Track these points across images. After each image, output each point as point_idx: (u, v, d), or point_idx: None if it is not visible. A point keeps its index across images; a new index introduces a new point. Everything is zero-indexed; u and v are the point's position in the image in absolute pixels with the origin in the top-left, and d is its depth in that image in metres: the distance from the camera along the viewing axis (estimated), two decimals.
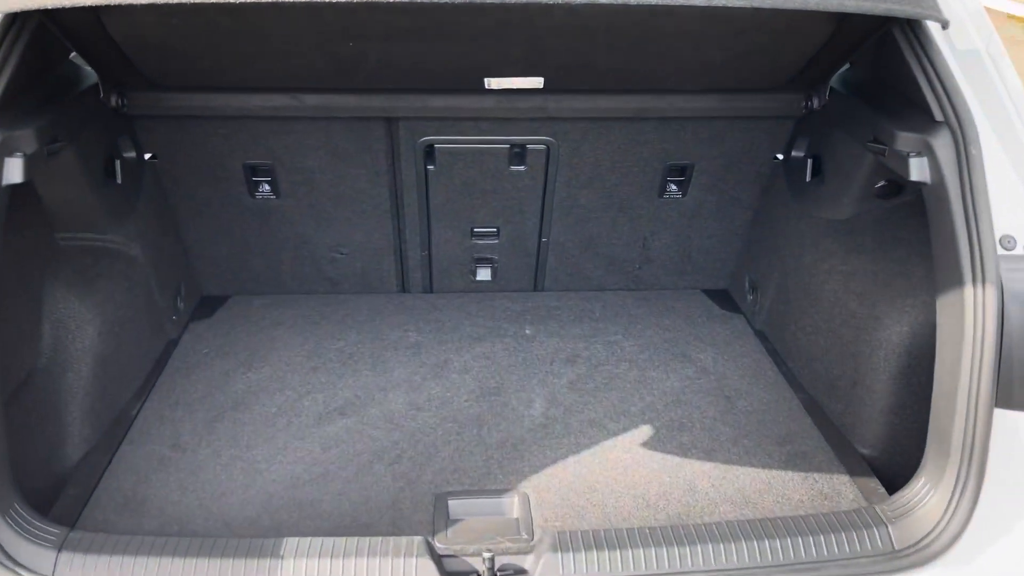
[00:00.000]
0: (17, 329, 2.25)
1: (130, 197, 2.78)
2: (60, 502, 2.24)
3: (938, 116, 2.05)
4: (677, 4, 1.76)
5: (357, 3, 1.79)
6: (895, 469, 2.46)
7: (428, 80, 2.51)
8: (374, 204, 3.09)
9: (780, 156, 3.04)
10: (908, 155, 2.10)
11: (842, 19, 2.19)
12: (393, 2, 1.74)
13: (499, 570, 1.93)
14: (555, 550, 1.92)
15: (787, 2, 1.76)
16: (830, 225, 2.75)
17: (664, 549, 1.93)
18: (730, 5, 1.73)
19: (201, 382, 2.80)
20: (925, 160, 2.07)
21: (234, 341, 3.04)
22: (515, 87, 2.54)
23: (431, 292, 3.44)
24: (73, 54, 2.46)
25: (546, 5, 1.83)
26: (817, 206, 2.81)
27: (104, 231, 2.64)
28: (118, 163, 2.67)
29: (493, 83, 2.50)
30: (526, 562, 1.97)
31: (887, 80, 2.33)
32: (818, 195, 2.82)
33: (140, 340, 2.76)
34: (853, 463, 2.46)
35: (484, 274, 3.40)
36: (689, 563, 1.92)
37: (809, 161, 2.86)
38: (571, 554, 1.92)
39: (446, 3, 1.74)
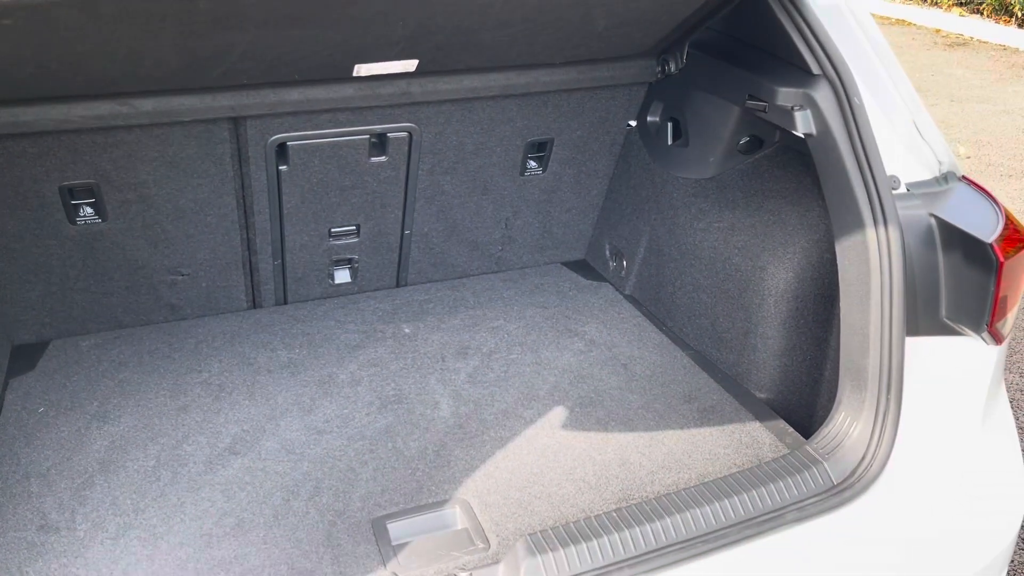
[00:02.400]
0: None
1: None
2: None
3: (815, 70, 2.16)
4: None
5: None
6: (792, 408, 2.60)
7: (291, 71, 2.26)
8: (219, 215, 2.77)
9: (634, 123, 3.09)
10: (793, 109, 2.19)
11: None
12: None
13: None
14: (531, 553, 1.83)
15: None
16: (699, 184, 2.84)
17: (636, 529, 1.91)
18: None
19: (49, 447, 2.38)
20: (808, 112, 2.17)
21: (75, 392, 2.61)
22: (387, 72, 2.36)
23: (286, 303, 3.16)
24: None
25: None
26: (683, 167, 2.89)
27: None
28: None
29: (363, 69, 2.30)
30: (498, 572, 1.87)
31: (754, 39, 2.42)
32: (682, 157, 2.90)
33: None
34: (757, 408, 2.57)
35: (343, 276, 3.17)
36: (664, 538, 1.92)
37: (668, 124, 2.93)
38: (548, 555, 1.84)
39: None
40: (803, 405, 2.61)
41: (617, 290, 3.30)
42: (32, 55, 1.85)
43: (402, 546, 2.05)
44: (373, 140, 2.74)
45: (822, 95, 2.14)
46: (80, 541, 2.05)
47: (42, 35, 1.77)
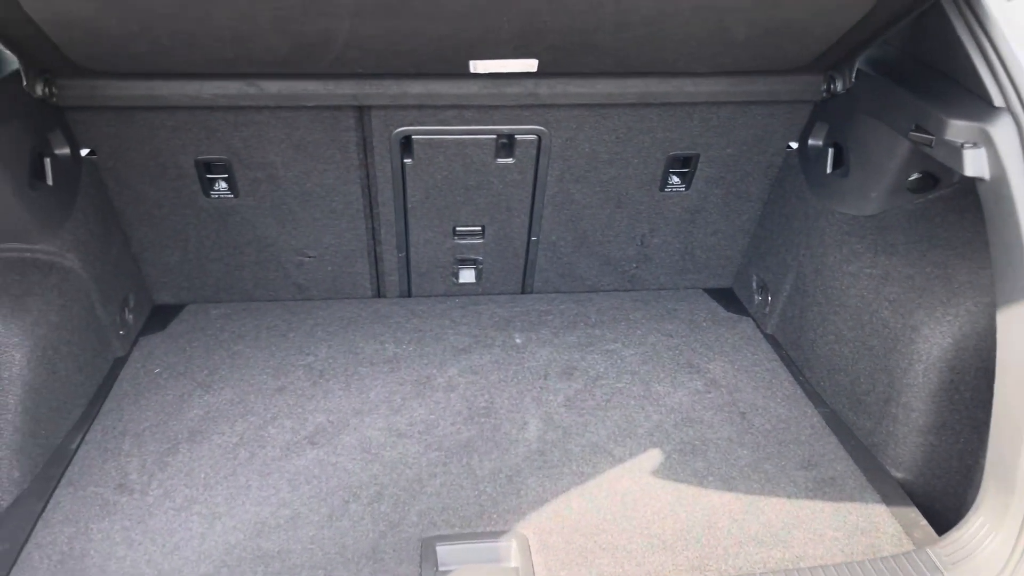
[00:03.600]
0: None
1: (64, 200, 2.43)
2: None
3: (997, 101, 1.78)
4: None
5: None
6: (935, 495, 2.21)
7: (404, 64, 2.19)
8: (345, 202, 2.77)
9: (795, 145, 2.76)
10: (962, 146, 1.83)
11: None
12: None
13: None
14: None
15: None
16: (855, 222, 2.48)
17: None
18: None
19: (152, 408, 2.47)
20: (983, 152, 1.80)
21: (190, 358, 2.72)
22: (504, 71, 2.22)
23: (409, 297, 3.13)
24: None
25: None
26: (840, 200, 2.54)
27: (34, 241, 2.30)
28: (48, 161, 2.33)
29: (479, 66, 2.18)
30: None
31: (931, 60, 2.05)
32: (841, 188, 2.54)
33: (80, 363, 2.42)
34: (888, 489, 2.20)
35: (467, 276, 3.09)
36: None
37: (830, 150, 2.58)
38: None
39: None
40: (947, 496, 2.21)
41: (758, 327, 2.97)
42: (140, 31, 1.89)
43: (444, 574, 1.93)
44: (501, 141, 2.62)
45: (1003, 133, 1.76)
46: (147, 507, 2.10)
47: (140, 10, 1.79)
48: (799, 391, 2.61)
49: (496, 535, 2.04)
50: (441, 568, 1.95)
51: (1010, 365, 1.76)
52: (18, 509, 2.08)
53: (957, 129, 1.85)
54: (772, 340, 2.88)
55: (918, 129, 2.02)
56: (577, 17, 1.89)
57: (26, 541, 1.99)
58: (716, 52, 2.18)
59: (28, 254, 2.29)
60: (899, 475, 2.25)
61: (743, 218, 2.98)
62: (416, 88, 2.39)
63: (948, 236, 2.24)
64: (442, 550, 1.99)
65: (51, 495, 2.13)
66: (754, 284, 3.03)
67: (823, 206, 2.61)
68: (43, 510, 2.08)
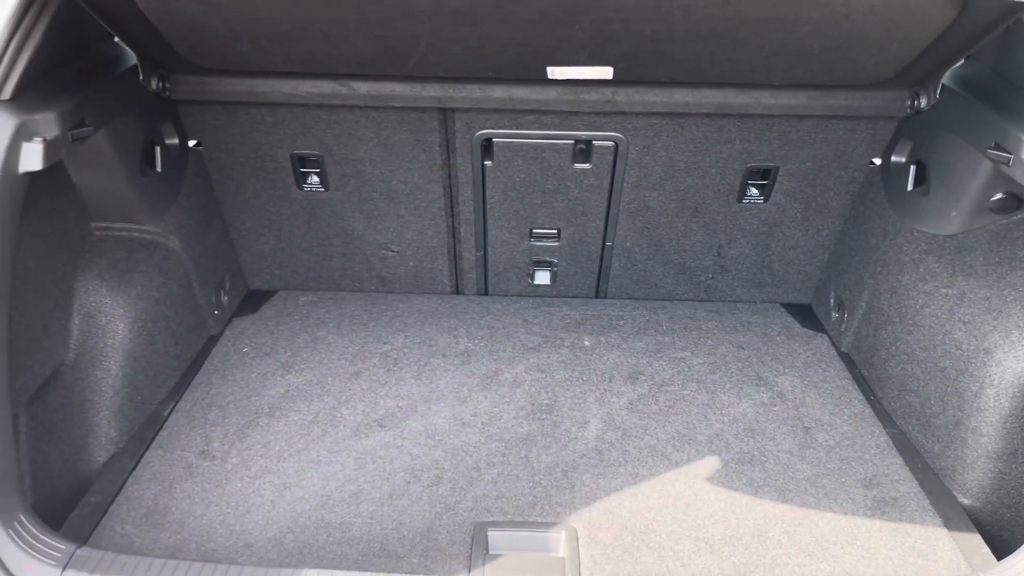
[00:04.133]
0: (44, 323, 2.12)
1: (171, 187, 2.64)
2: (78, 510, 2.11)
3: None
4: None
5: None
6: (1002, 524, 2.15)
7: (484, 68, 2.29)
8: (427, 200, 2.89)
9: (878, 161, 2.72)
10: None
11: (966, 3, 1.88)
12: None
13: None
14: None
15: None
16: (934, 241, 2.43)
17: None
18: None
19: (238, 383, 2.65)
20: None
21: (276, 340, 2.89)
22: (580, 77, 2.29)
23: (486, 295, 3.23)
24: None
25: None
26: (920, 219, 2.49)
27: (141, 222, 2.51)
28: (158, 150, 2.53)
29: (556, 72, 2.26)
30: None
31: (1015, 78, 2.00)
32: (921, 206, 2.49)
33: (176, 337, 2.62)
34: (951, 514, 2.15)
35: (543, 278, 3.17)
36: None
37: (912, 168, 2.53)
38: None
39: None
40: (1016, 525, 2.14)
41: (833, 344, 2.93)
42: (243, 31, 2.05)
43: (494, 557, 2.01)
44: (579, 146, 2.69)
45: None
46: (225, 473, 2.26)
47: (241, 13, 1.95)
48: (868, 410, 2.57)
49: (547, 525, 2.10)
50: (491, 552, 2.03)
51: None
52: (112, 465, 2.27)
53: None
54: (846, 358, 2.84)
55: (997, 147, 1.98)
56: (647, 25, 1.94)
57: (116, 494, 2.17)
58: (790, 64, 2.18)
59: (136, 234, 2.50)
60: (965, 501, 2.19)
61: (822, 233, 2.95)
62: (497, 92, 2.48)
63: None
64: (493, 535, 2.06)
65: (142, 456, 2.32)
66: (832, 301, 2.99)
67: (902, 224, 2.56)
68: (134, 468, 2.27)
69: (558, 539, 2.07)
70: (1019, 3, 1.76)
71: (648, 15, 1.90)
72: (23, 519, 1.78)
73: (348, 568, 1.95)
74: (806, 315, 3.13)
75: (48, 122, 1.83)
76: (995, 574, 1.78)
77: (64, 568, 1.75)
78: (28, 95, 1.83)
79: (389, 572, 1.91)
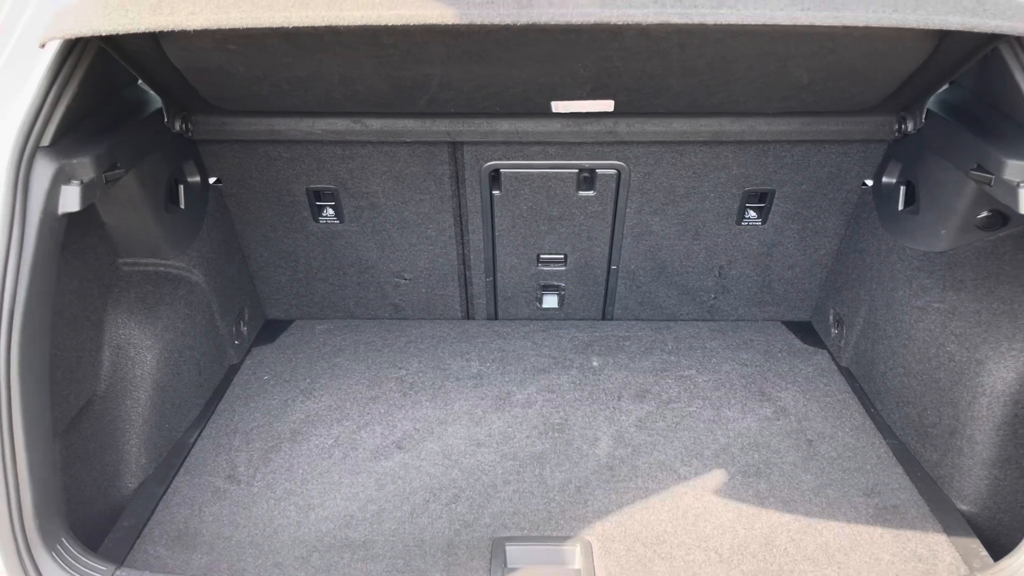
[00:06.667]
0: (78, 355, 2.23)
1: (193, 222, 2.76)
2: (113, 534, 2.21)
3: None
4: (757, 24, 1.62)
5: (414, 27, 1.70)
6: (1000, 529, 2.23)
7: (492, 104, 2.41)
8: (438, 229, 3.00)
9: (870, 182, 2.84)
10: (1018, 185, 1.90)
11: (944, 36, 2.00)
12: (450, 25, 1.64)
13: None
14: None
15: (882, 19, 1.60)
16: (926, 258, 2.54)
17: None
18: (817, 23, 1.58)
19: (260, 410, 2.75)
20: None
21: (295, 368, 2.99)
22: (583, 111, 2.42)
23: (496, 319, 3.33)
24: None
25: (615, 26, 1.70)
26: (911, 237, 2.60)
27: (166, 257, 2.62)
28: (181, 188, 2.65)
29: (560, 106, 2.38)
30: None
31: (995, 102, 2.12)
32: (912, 225, 2.60)
33: (200, 367, 2.72)
34: (950, 520, 2.24)
35: (551, 301, 3.27)
36: None
37: (902, 188, 2.65)
38: None
39: (506, 24, 1.64)
40: (1013, 529, 2.22)
41: (834, 360, 3.03)
42: (264, 75, 2.18)
43: (512, 570, 2.10)
44: (583, 175, 2.81)
45: None
46: (252, 496, 2.36)
47: (263, 59, 2.08)
48: (868, 422, 2.66)
49: (562, 539, 2.19)
50: (509, 566, 2.12)
51: None
52: (143, 491, 2.37)
53: (1014, 168, 1.93)
54: (847, 373, 2.94)
55: (979, 168, 2.09)
56: (646, 63, 2.06)
57: (149, 518, 2.27)
58: (783, 94, 2.31)
59: (161, 268, 2.62)
60: (964, 507, 2.28)
61: (820, 253, 3.06)
62: (504, 126, 2.60)
63: (1016, 273, 2.28)
64: (511, 549, 2.16)
65: (171, 481, 2.42)
66: (831, 318, 3.09)
67: (895, 242, 2.67)
68: (164, 493, 2.37)
69: (573, 552, 2.16)
70: (994, 35, 1.88)
71: (646, 54, 2.02)
72: (65, 542, 1.88)
73: None
74: (807, 332, 3.23)
75: (84, 166, 1.95)
76: (990, 574, 1.86)
77: None
78: (65, 140, 1.95)
79: None
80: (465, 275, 3.17)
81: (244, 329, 3.09)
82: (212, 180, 2.88)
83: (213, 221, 2.87)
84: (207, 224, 2.83)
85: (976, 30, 1.69)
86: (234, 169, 2.84)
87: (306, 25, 1.67)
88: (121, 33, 1.73)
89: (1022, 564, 1.84)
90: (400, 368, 2.99)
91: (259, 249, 3.10)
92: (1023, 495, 2.19)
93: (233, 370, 2.97)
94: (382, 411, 2.75)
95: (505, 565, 2.12)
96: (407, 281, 3.20)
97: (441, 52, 2.02)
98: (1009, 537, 2.22)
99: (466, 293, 3.25)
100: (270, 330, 3.26)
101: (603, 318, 3.33)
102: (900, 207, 2.66)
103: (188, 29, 1.69)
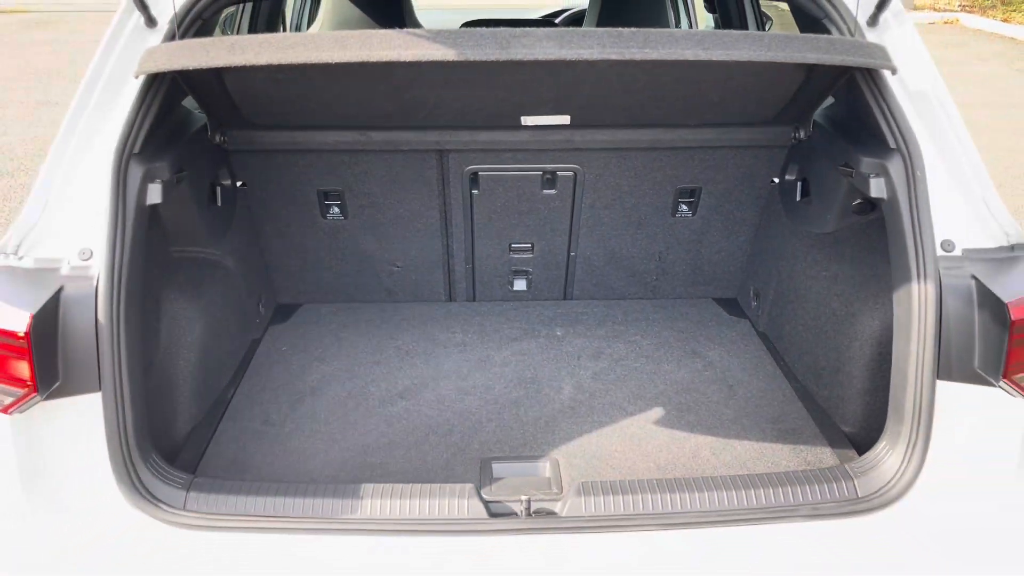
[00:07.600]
0: (145, 326, 2.79)
1: (226, 218, 3.33)
2: (177, 463, 2.76)
3: (891, 144, 2.52)
4: (672, 59, 2.25)
5: (423, 63, 2.31)
6: (870, 441, 2.89)
7: (474, 118, 3.04)
8: (426, 224, 3.61)
9: (776, 180, 3.52)
10: (869, 176, 2.57)
11: (811, 68, 2.68)
12: (449, 61, 2.24)
13: (533, 511, 2.40)
14: (578, 495, 2.39)
15: (757, 55, 2.24)
16: (818, 238, 3.21)
17: (667, 495, 2.39)
18: (711, 59, 2.22)
19: (283, 373, 3.32)
20: (882, 180, 2.53)
21: (308, 341, 3.57)
22: (546, 123, 3.06)
23: (474, 300, 3.94)
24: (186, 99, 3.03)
25: (570, 61, 2.33)
26: (806, 222, 3.28)
27: (207, 245, 3.19)
28: (218, 189, 3.23)
29: (528, 120, 3.01)
30: (555, 506, 2.44)
31: (856, 115, 2.80)
32: (807, 212, 3.28)
33: (233, 336, 3.29)
34: (835, 437, 2.89)
35: (520, 284, 3.89)
36: (687, 505, 2.37)
37: (799, 184, 3.33)
38: (591, 498, 2.38)
39: (491, 60, 2.25)
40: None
41: (753, 326, 3.70)
42: (299, 98, 2.78)
43: (498, 479, 2.69)
44: (546, 176, 3.44)
45: (894, 166, 2.49)
46: (285, 435, 2.93)
47: (302, 86, 2.69)
48: (778, 371, 3.33)
49: (535, 458, 2.80)
50: (495, 476, 2.72)
51: (899, 330, 2.46)
52: (195, 435, 2.92)
53: (867, 164, 2.59)
54: (763, 336, 3.61)
55: (845, 165, 2.76)
56: (594, 87, 2.71)
57: (203, 453, 2.83)
58: (701, 110, 2.98)
59: (202, 255, 3.18)
60: (846, 428, 2.94)
61: (740, 239, 3.73)
62: (482, 137, 3.23)
63: (881, 247, 2.94)
64: (496, 466, 2.74)
65: (216, 426, 2.98)
66: (751, 292, 3.76)
67: (795, 227, 3.35)
68: (212, 436, 2.93)
69: (544, 466, 2.76)
70: (846, 68, 2.55)
71: (594, 80, 2.67)
72: (154, 457, 2.44)
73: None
74: (732, 306, 3.90)
75: (163, 169, 2.52)
76: (854, 464, 2.51)
77: (188, 489, 2.40)
78: (147, 148, 2.52)
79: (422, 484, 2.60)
80: (448, 263, 3.78)
81: (262, 310, 3.66)
82: (239, 183, 3.46)
83: (240, 218, 3.45)
84: (236, 220, 3.40)
85: (828, 63, 2.35)
86: (258, 174, 3.42)
87: (343, 61, 2.28)
88: (204, 68, 2.31)
89: (875, 455, 2.50)
90: (397, 340, 3.59)
91: (274, 241, 3.67)
92: (885, 414, 2.85)
93: (256, 343, 3.54)
94: (385, 372, 3.34)
95: (492, 476, 2.72)
96: (399, 269, 3.80)
97: (439, 79, 2.64)
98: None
99: (449, 279, 3.85)
100: (282, 312, 3.83)
101: (564, 298, 3.96)
102: (798, 199, 3.34)
103: (256, 64, 2.27)
